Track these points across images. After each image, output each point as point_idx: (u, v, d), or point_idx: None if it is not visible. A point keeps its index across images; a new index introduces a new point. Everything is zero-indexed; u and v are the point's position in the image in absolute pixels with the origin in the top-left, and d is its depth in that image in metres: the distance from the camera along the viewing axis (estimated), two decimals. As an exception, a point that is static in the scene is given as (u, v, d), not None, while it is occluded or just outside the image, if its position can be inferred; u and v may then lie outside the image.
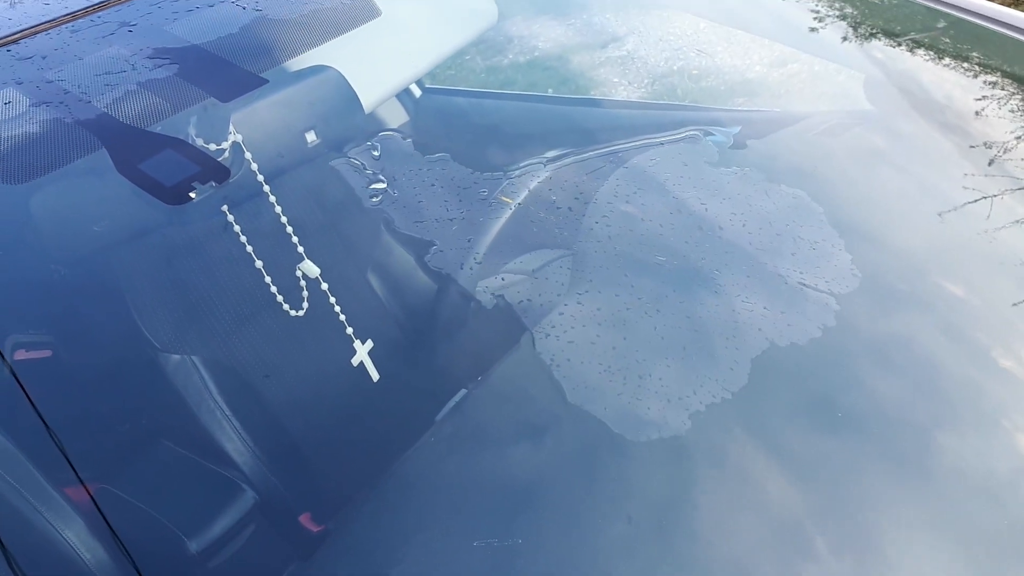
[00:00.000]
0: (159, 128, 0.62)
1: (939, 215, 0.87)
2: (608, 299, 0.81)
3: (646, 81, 1.13)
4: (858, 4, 1.26)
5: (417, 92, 1.11)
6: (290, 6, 0.77)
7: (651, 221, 0.88)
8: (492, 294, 0.86)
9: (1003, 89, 1.08)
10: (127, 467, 0.73)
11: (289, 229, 0.78)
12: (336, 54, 0.72)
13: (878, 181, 0.92)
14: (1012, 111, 1.02)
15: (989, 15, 1.17)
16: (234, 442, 0.81)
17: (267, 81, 0.66)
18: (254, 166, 0.73)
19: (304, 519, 0.76)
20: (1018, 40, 1.12)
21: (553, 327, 0.81)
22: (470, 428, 0.79)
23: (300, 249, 0.79)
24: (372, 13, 0.76)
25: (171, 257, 0.74)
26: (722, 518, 0.60)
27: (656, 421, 0.67)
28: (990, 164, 0.95)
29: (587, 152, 0.99)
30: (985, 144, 0.98)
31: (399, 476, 0.75)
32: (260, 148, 0.69)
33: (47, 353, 0.69)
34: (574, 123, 1.00)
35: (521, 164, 0.96)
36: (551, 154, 0.98)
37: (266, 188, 0.74)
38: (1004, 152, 0.96)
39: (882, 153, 1.01)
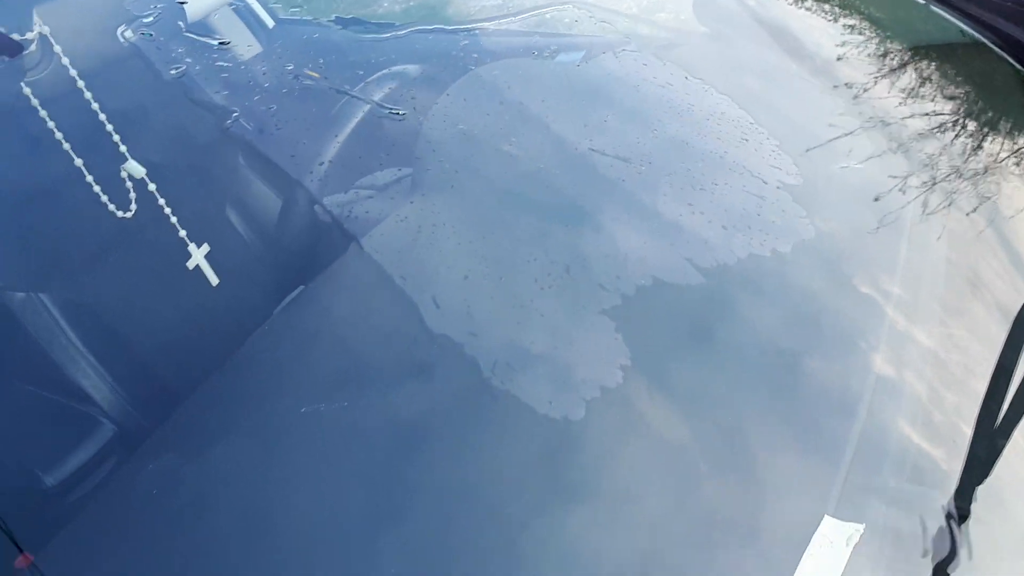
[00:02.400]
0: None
1: (782, 141, 0.94)
2: (454, 209, 0.84)
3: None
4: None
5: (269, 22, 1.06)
6: None
7: (502, 139, 0.91)
8: (336, 198, 0.88)
9: (842, 17, 1.17)
10: None
11: (109, 127, 0.75)
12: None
13: (730, 100, 0.98)
14: (842, 37, 1.10)
15: None
16: (75, 362, 0.79)
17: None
18: (65, 60, 0.69)
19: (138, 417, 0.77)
20: None
21: (392, 233, 0.84)
22: (308, 324, 0.81)
23: (123, 148, 0.76)
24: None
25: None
26: (605, 445, 0.65)
27: (533, 354, 0.71)
28: (854, 99, 1.03)
29: (433, 67, 0.99)
30: (843, 83, 1.06)
31: (237, 367, 0.77)
32: (72, 41, 0.66)
33: None
34: (421, 47, 1.00)
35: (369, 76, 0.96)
36: (396, 68, 0.98)
37: (80, 84, 0.71)
38: (859, 90, 1.05)
39: (728, 71, 1.07)
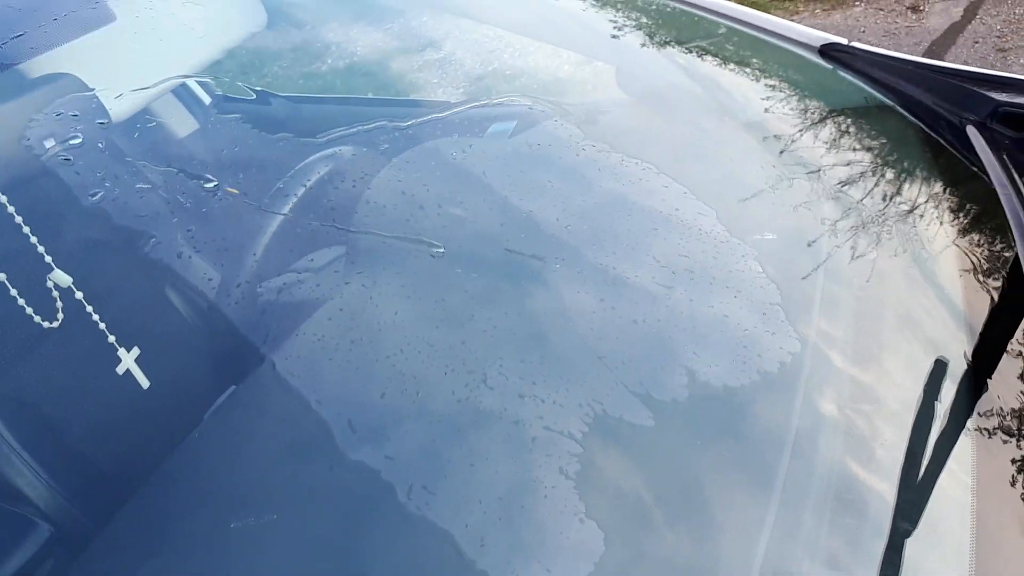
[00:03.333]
0: None
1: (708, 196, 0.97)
2: (379, 288, 0.86)
3: (407, 79, 1.19)
4: (652, 13, 1.38)
5: (206, 99, 1.11)
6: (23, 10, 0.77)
7: (435, 210, 0.93)
8: (269, 291, 0.89)
9: (753, 79, 1.23)
10: None
11: (34, 239, 0.77)
12: (74, 59, 0.72)
13: (654, 162, 1.01)
14: (750, 93, 1.16)
15: (740, 17, 1.31)
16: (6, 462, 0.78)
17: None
18: None
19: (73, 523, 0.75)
20: (763, 39, 1.27)
21: (329, 320, 0.85)
22: (243, 427, 0.81)
23: (48, 259, 0.78)
24: (108, 18, 0.77)
25: None
26: (559, 498, 0.64)
27: (485, 410, 0.71)
28: (780, 153, 1.07)
29: (358, 142, 1.03)
30: (747, 126, 1.10)
31: (168, 476, 0.76)
32: None
33: None
34: (328, 117, 1.04)
35: (294, 164, 0.99)
36: (324, 152, 1.01)
37: (2, 198, 0.73)
38: (785, 143, 1.10)
39: (648, 136, 1.11)
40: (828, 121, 1.11)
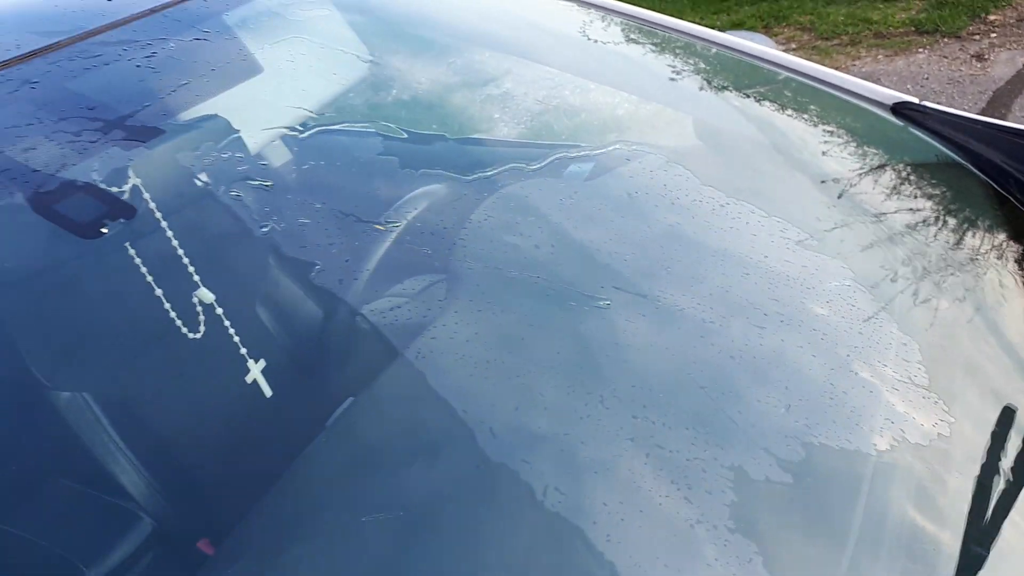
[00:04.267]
0: (70, 174, 0.72)
1: (771, 238, 1.04)
2: (487, 316, 0.94)
3: (508, 122, 1.28)
4: (711, 60, 1.47)
5: (304, 133, 1.22)
6: (184, 64, 0.88)
7: (525, 244, 1.02)
8: (376, 313, 0.98)
9: (826, 135, 1.30)
10: (32, 506, 0.79)
11: (185, 260, 0.87)
12: (224, 104, 0.83)
13: (717, 206, 1.09)
14: (822, 147, 1.23)
15: (812, 74, 1.39)
16: (132, 469, 0.88)
17: (163, 131, 0.76)
18: (152, 206, 0.82)
19: (202, 543, 0.84)
20: (836, 96, 1.34)
21: (433, 339, 0.93)
22: (357, 436, 0.89)
23: (196, 278, 0.88)
24: (257, 70, 0.88)
25: (79, 293, 0.82)
26: (610, 528, 0.70)
27: (544, 434, 0.79)
28: (839, 196, 1.14)
29: (459, 182, 1.12)
30: (806, 172, 1.17)
31: (291, 485, 0.84)
32: (157, 190, 0.79)
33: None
34: (445, 158, 1.14)
35: (403, 195, 1.09)
36: (427, 187, 1.11)
37: (164, 224, 0.84)
38: (818, 178, 1.16)
39: (716, 183, 1.19)
40: (900, 176, 1.17)
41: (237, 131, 0.90)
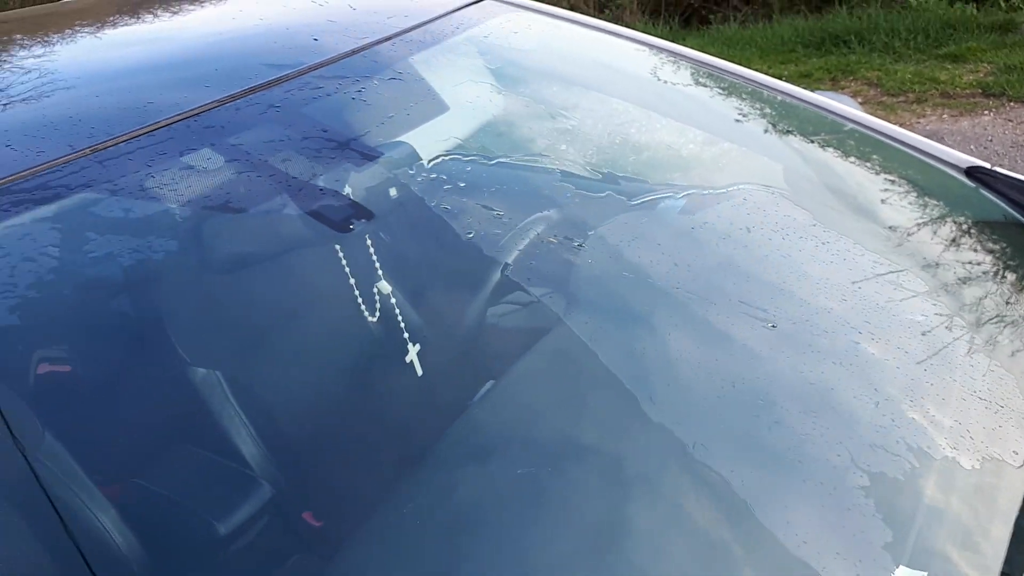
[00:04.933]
0: (320, 182, 0.92)
1: (851, 279, 1.20)
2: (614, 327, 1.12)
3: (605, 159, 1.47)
4: (780, 109, 1.64)
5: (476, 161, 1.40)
6: (386, 99, 1.09)
7: (639, 266, 1.20)
8: (509, 308, 1.17)
9: (903, 192, 1.46)
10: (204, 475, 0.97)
11: (374, 257, 1.07)
12: (423, 133, 1.04)
13: (810, 245, 1.25)
14: (898, 203, 1.39)
15: (878, 128, 1.55)
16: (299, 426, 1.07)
17: (380, 154, 0.97)
18: (373, 211, 1.03)
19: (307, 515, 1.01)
20: (895, 147, 1.50)
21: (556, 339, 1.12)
22: (497, 418, 1.07)
23: (379, 272, 1.08)
24: (443, 108, 1.09)
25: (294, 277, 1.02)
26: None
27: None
28: (893, 241, 1.30)
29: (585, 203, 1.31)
30: (882, 225, 1.34)
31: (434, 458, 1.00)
32: (377, 199, 1.00)
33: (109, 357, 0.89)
34: (566, 191, 1.33)
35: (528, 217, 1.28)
36: (549, 212, 1.29)
37: (377, 225, 1.04)
38: (893, 231, 1.32)
39: (799, 224, 1.35)
40: (971, 236, 1.32)
41: (436, 156, 1.10)
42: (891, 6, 6.41)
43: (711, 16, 7.74)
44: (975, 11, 5.87)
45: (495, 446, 1.04)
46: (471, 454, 1.03)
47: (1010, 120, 4.53)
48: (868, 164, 1.49)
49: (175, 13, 1.38)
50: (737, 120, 1.59)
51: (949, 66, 5.29)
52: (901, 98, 4.99)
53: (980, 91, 4.88)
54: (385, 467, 1.04)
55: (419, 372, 1.12)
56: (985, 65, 5.21)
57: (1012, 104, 4.68)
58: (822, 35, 6.07)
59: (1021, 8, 5.77)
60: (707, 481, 0.88)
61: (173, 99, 0.97)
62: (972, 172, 1.36)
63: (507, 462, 1.00)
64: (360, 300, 1.07)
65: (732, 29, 6.87)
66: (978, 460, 0.93)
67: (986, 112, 4.65)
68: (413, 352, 1.13)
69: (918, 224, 1.36)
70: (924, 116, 4.74)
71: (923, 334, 1.10)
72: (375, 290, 1.09)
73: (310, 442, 1.06)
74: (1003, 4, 5.88)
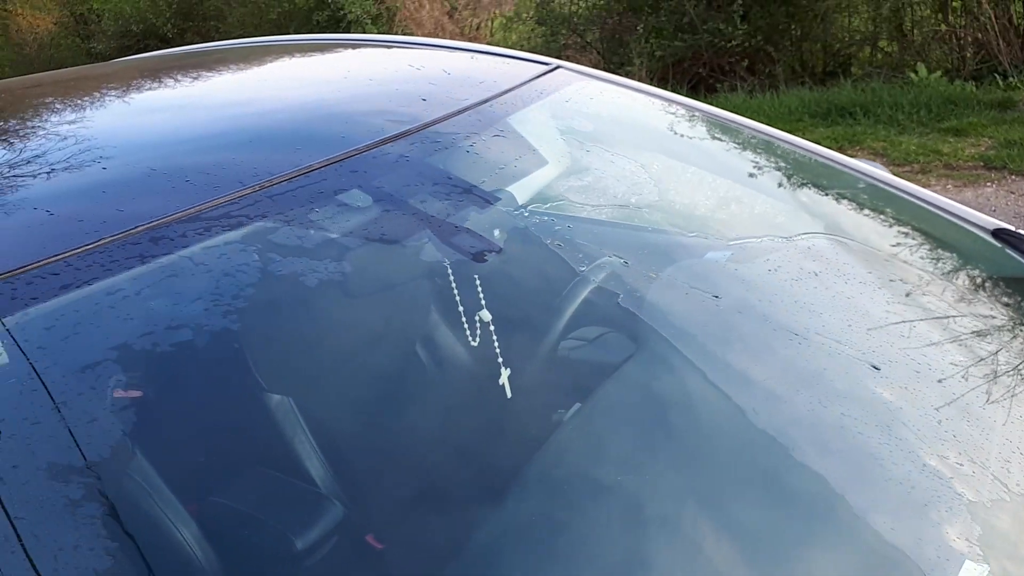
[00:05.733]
0: (453, 220, 1.07)
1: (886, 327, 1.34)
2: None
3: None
4: (810, 169, 1.81)
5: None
6: (494, 152, 1.25)
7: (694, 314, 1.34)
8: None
9: (934, 253, 1.61)
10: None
11: (481, 294, 1.22)
12: (527, 182, 1.20)
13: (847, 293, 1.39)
14: (929, 260, 1.54)
15: (909, 191, 1.71)
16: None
17: (498, 199, 1.13)
18: (498, 250, 1.17)
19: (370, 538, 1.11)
20: (926, 208, 1.66)
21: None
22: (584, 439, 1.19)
23: (483, 301, 1.22)
24: (543, 163, 1.25)
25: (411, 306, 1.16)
26: None
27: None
28: (907, 295, 1.44)
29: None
30: (899, 279, 1.48)
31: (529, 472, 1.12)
32: (505, 237, 1.15)
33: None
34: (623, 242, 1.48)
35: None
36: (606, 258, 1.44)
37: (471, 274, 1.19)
38: (915, 287, 1.47)
39: (821, 273, 1.49)
40: (998, 293, 1.47)
41: (540, 203, 1.26)
42: (894, 81, 6.72)
43: (718, 85, 8.07)
44: (975, 88, 6.17)
45: (580, 468, 1.16)
46: (552, 484, 1.13)
47: (1012, 192, 4.74)
48: (901, 224, 1.65)
49: (288, 69, 1.56)
50: (781, 181, 1.75)
51: (951, 139, 5.54)
52: (907, 168, 5.22)
53: (982, 164, 5.11)
54: (476, 480, 1.16)
55: (508, 394, 1.24)
56: (986, 139, 5.46)
57: (1013, 177, 4.90)
58: (828, 106, 6.35)
59: (1019, 87, 6.07)
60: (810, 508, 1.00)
61: (318, 148, 1.13)
62: (999, 234, 1.52)
63: (592, 481, 1.12)
64: (464, 324, 1.21)
65: (740, 97, 7.17)
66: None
67: (988, 184, 4.87)
68: (504, 375, 1.26)
69: (948, 280, 1.51)
70: (929, 186, 4.96)
71: (966, 380, 1.24)
72: (476, 319, 1.23)
73: (411, 452, 1.18)
74: (1001, 83, 6.17)
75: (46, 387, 0.76)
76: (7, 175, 1.01)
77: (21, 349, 0.78)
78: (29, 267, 0.85)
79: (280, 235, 0.97)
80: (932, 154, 5.32)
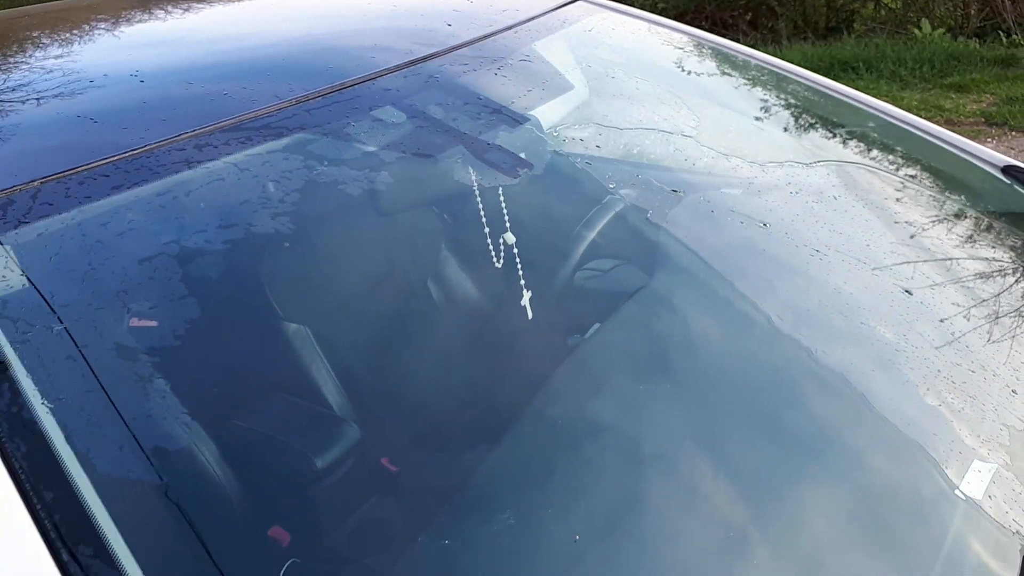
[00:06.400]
0: (486, 137, 1.09)
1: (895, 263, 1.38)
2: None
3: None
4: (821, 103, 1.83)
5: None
6: (521, 76, 1.26)
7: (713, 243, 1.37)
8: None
9: (944, 189, 1.64)
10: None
11: (506, 218, 1.24)
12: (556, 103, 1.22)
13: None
14: (939, 196, 1.57)
15: (922, 127, 1.73)
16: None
17: (527, 119, 1.14)
18: (523, 169, 1.20)
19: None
20: (925, 138, 1.68)
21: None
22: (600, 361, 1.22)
23: (507, 224, 1.24)
24: (568, 87, 1.26)
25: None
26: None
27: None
28: (915, 229, 1.48)
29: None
30: (908, 213, 1.52)
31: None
32: (529, 154, 1.17)
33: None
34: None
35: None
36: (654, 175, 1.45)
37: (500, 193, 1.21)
38: (922, 227, 1.50)
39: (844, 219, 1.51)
40: (1006, 228, 1.50)
41: (567, 125, 1.28)
42: (897, 37, 6.68)
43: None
44: (978, 45, 6.14)
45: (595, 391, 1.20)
46: (571, 404, 1.16)
47: (1012, 148, 4.76)
48: (911, 159, 1.68)
49: None
50: (795, 114, 1.77)
51: (953, 95, 5.53)
52: (908, 123, 5.22)
53: (983, 120, 5.12)
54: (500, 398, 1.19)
55: (529, 315, 1.28)
56: (988, 96, 5.45)
57: (1014, 133, 4.91)
58: (831, 61, 6.32)
59: (1022, 44, 6.04)
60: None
61: (352, 67, 1.14)
62: (1008, 170, 1.55)
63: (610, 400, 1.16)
64: (491, 247, 1.24)
65: (743, 52, 7.12)
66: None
67: (989, 139, 4.88)
68: (526, 297, 1.29)
69: (957, 214, 1.55)
70: (930, 141, 4.97)
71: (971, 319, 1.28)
72: (500, 241, 1.26)
73: (428, 375, 1.21)
74: (1004, 40, 6.15)
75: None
76: (52, 88, 1.02)
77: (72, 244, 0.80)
78: (80, 168, 0.87)
79: (316, 146, 0.99)
80: (934, 109, 5.32)
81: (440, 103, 1.13)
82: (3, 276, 0.76)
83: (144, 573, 0.62)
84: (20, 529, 0.61)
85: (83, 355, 0.75)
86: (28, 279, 0.77)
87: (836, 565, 0.85)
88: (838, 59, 6.33)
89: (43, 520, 0.62)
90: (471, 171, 1.09)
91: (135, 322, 0.86)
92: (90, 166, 0.87)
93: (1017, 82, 5.50)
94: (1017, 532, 0.86)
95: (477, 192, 1.16)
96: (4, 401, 0.68)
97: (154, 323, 0.87)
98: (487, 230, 1.22)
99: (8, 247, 0.79)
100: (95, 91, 1.01)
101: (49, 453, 0.66)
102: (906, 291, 1.27)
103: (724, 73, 1.71)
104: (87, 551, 0.61)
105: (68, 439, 0.68)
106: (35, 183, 0.84)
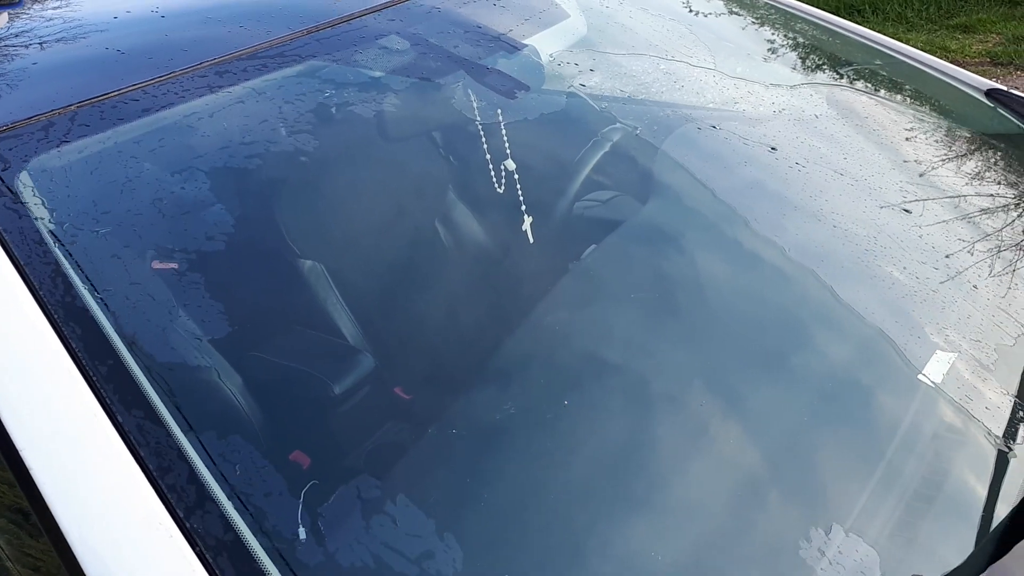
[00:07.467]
0: (483, 62, 1.16)
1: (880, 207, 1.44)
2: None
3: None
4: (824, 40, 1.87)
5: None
6: (520, 8, 1.32)
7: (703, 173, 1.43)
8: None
9: (927, 112, 1.69)
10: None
11: (507, 144, 1.31)
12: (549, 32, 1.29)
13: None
14: (926, 120, 1.63)
15: (907, 53, 1.78)
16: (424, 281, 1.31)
17: (524, 45, 1.21)
18: (521, 93, 1.26)
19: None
20: (910, 64, 1.73)
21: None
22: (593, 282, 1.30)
23: (508, 153, 1.32)
24: (563, 16, 1.33)
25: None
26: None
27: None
28: (901, 151, 1.54)
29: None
30: (894, 136, 1.57)
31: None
32: (525, 75, 1.24)
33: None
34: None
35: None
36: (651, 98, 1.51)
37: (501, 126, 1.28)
38: (926, 167, 1.56)
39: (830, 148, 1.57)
40: (989, 150, 1.56)
41: (563, 50, 1.34)
42: (904, -22, 6.59)
43: (727, -15, 7.90)
44: (986, -16, 6.06)
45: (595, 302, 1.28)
46: (573, 323, 1.23)
47: (1016, 87, 4.74)
48: (897, 83, 1.74)
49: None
50: (777, 45, 1.83)
51: (960, 36, 5.49)
52: (913, 65, 5.20)
53: (989, 60, 5.10)
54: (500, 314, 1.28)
55: (531, 239, 1.36)
56: (994, 36, 5.42)
57: (1019, 73, 4.90)
58: (837, 4, 6.26)
59: (1030, -18, 5.97)
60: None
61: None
62: (992, 93, 1.60)
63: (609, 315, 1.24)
64: (493, 174, 1.31)
65: (748, -2, 7.05)
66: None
67: (994, 79, 4.87)
68: (527, 222, 1.37)
69: (941, 143, 1.61)
70: (934, 82, 4.96)
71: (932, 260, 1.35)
72: (502, 167, 1.33)
73: (435, 302, 1.29)
74: (1013, -22, 6.06)
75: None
76: (81, 25, 1.10)
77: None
78: (112, 94, 0.95)
79: (327, 71, 1.06)
80: (939, 51, 5.29)
81: (442, 31, 1.19)
82: (51, 189, 0.85)
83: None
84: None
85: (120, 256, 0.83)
86: (72, 191, 0.86)
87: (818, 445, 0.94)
88: (844, 1, 6.27)
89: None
90: (471, 94, 1.16)
91: (156, 264, 0.89)
92: (122, 91, 0.95)
93: (1023, 21, 5.45)
94: (975, 416, 0.95)
95: (477, 114, 1.23)
96: (60, 292, 0.77)
97: (174, 265, 0.92)
98: (488, 156, 1.30)
99: (52, 164, 0.87)
100: (120, 27, 1.08)
101: (102, 336, 0.75)
102: (893, 206, 1.34)
103: (728, 9, 1.76)
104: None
105: (116, 326, 0.77)
106: (72, 107, 0.92)
